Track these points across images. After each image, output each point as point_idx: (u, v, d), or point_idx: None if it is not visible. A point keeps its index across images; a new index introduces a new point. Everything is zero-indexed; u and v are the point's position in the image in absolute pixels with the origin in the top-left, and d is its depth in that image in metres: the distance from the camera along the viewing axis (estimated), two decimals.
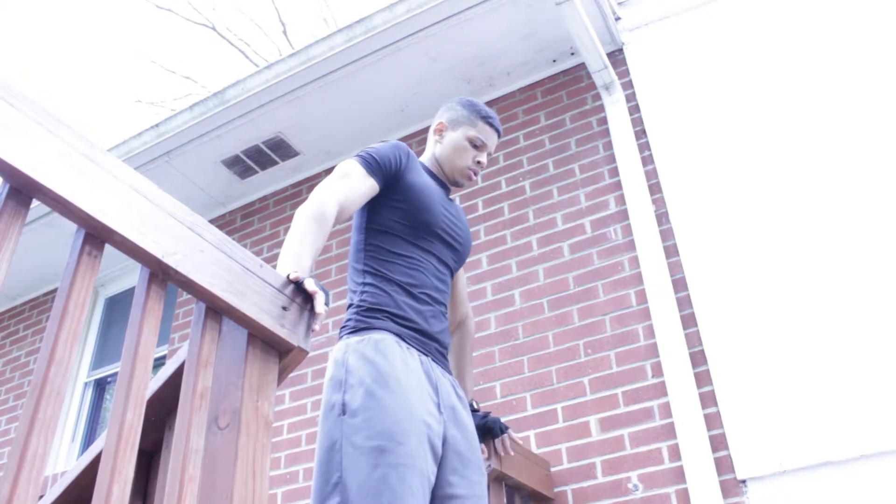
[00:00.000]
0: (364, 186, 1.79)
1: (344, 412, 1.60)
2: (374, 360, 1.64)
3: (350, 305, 1.81)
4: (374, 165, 1.82)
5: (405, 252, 1.84)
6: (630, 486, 2.58)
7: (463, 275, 2.18)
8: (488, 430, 2.13)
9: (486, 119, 2.01)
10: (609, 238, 3.10)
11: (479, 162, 2.00)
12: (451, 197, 2.08)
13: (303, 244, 1.56)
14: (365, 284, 1.81)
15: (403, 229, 1.86)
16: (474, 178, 2.02)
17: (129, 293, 4.75)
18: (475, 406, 2.13)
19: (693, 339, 2.73)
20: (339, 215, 1.69)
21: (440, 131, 2.03)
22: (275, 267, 1.36)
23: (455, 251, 1.96)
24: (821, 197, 2.79)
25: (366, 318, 1.74)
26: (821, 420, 2.41)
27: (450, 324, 2.12)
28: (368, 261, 1.84)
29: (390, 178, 1.85)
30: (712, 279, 2.81)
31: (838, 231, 2.70)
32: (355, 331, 1.72)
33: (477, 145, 1.99)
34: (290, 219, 4.15)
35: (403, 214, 1.85)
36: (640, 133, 3.27)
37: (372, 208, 1.87)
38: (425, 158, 2.06)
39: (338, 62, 3.60)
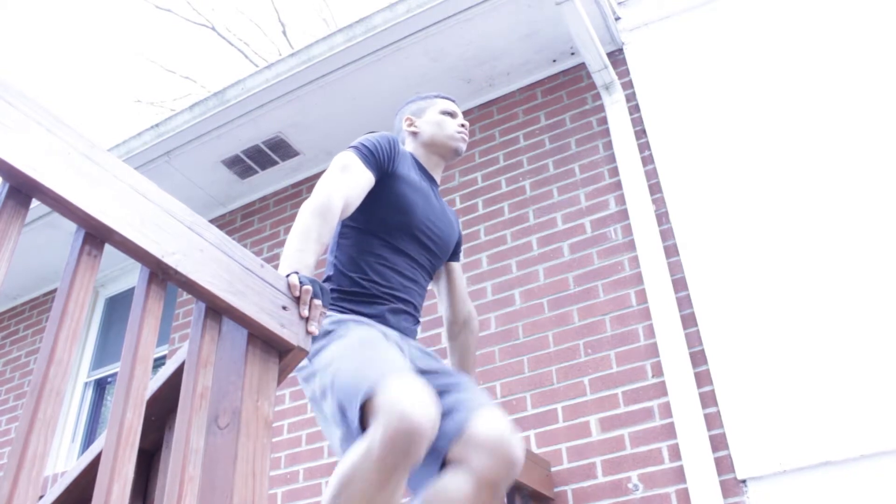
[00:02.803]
0: (365, 179, 1.79)
1: (313, 357, 1.65)
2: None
3: None
4: (370, 158, 1.82)
5: (376, 252, 1.83)
6: (630, 485, 2.58)
7: (461, 273, 2.17)
8: None
9: (440, 95, 2.13)
10: (609, 238, 3.10)
11: (462, 125, 2.08)
12: (446, 198, 2.08)
13: (307, 240, 1.55)
14: (332, 290, 1.82)
15: (378, 228, 1.85)
16: (467, 138, 2.09)
17: (129, 293, 4.75)
18: None
19: (693, 339, 2.73)
20: (344, 209, 1.69)
21: (411, 124, 2.08)
22: (276, 265, 1.36)
23: (430, 251, 1.95)
24: (821, 197, 2.79)
25: (325, 328, 1.76)
26: (821, 420, 2.41)
27: (453, 323, 2.12)
28: (340, 258, 1.85)
29: (383, 172, 1.85)
30: (712, 279, 2.80)
31: (838, 231, 2.70)
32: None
33: (450, 113, 2.08)
34: (290, 219, 4.14)
35: (382, 212, 1.85)
36: (640, 133, 3.27)
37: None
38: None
39: (338, 62, 3.60)
